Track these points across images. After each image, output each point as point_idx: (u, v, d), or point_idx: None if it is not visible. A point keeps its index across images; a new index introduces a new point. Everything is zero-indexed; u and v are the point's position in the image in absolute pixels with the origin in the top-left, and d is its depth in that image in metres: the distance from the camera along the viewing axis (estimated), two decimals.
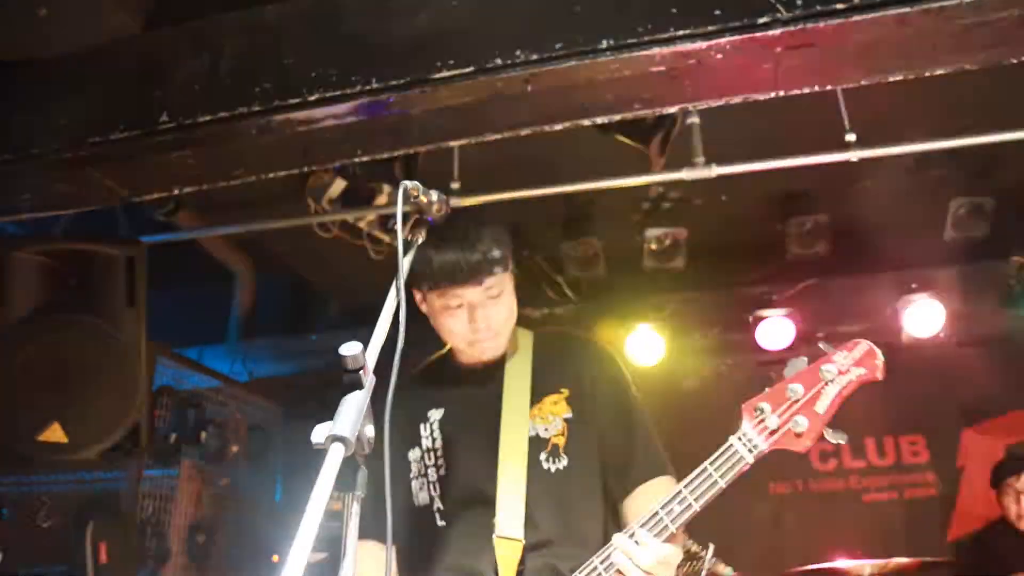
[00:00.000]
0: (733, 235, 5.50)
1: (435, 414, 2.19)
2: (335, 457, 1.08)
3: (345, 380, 1.19)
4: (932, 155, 4.60)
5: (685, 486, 1.75)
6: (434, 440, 2.15)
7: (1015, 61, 2.72)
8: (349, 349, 1.21)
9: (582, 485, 2.07)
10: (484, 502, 2.00)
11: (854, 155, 3.69)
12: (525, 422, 2.06)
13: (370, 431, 1.17)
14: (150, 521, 4.46)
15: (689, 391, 5.46)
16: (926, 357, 5.10)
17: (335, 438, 1.10)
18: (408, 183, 1.60)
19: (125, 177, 3.19)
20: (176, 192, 3.31)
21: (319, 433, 1.15)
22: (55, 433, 3.21)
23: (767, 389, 1.74)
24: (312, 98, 2.69)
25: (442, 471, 2.11)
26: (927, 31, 2.53)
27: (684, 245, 5.15)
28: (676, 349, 5.17)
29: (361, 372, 1.19)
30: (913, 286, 4.89)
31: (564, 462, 2.05)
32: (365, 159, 3.10)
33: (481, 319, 2.06)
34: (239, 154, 3.02)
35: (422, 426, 2.17)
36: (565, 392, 2.13)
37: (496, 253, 2.06)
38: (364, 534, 1.90)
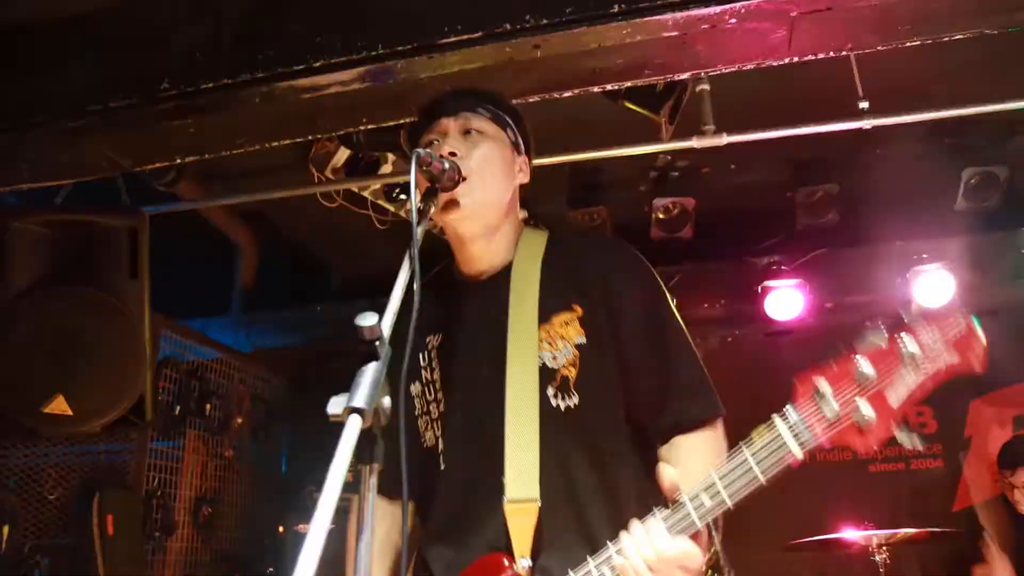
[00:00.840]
0: (742, 204, 5.44)
1: (433, 340, 1.87)
2: (352, 429, 1.05)
3: (360, 351, 1.15)
4: (945, 123, 4.55)
5: (721, 477, 1.42)
6: (432, 371, 1.84)
7: None
8: (365, 319, 1.15)
9: (600, 428, 1.71)
10: (490, 448, 1.68)
11: (867, 123, 3.63)
12: (534, 348, 1.72)
13: (387, 402, 1.14)
14: (156, 493, 4.46)
15: None
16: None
17: (353, 410, 1.06)
18: (421, 151, 1.54)
19: (126, 146, 3.14)
20: (178, 161, 3.26)
21: (335, 405, 1.11)
22: (60, 406, 3.18)
23: (831, 363, 1.37)
24: (317, 64, 2.62)
25: (443, 407, 1.81)
26: None
27: (692, 214, 5.09)
28: (682, 319, 5.12)
29: (377, 343, 1.14)
30: (923, 256, 4.84)
31: (575, 399, 1.69)
32: (371, 127, 3.03)
33: (447, 146, 1.75)
34: (242, 123, 2.96)
35: (421, 355, 1.85)
36: (578, 310, 1.75)
37: (490, 103, 1.87)
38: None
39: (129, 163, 3.27)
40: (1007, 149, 4.83)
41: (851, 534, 3.49)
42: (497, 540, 1.65)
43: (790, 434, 1.37)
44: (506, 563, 1.60)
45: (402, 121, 3.07)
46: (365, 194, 4.36)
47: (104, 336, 3.35)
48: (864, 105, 3.61)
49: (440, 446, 1.80)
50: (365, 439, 1.09)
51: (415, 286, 1.34)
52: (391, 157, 4.18)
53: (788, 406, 1.38)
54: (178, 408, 4.69)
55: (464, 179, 1.72)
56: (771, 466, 1.39)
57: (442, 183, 1.63)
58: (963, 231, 5.02)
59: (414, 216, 1.41)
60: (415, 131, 1.94)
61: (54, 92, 2.93)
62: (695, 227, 5.13)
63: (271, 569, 4.99)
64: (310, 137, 3.15)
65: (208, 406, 4.95)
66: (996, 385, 5.21)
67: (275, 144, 3.11)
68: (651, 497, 1.60)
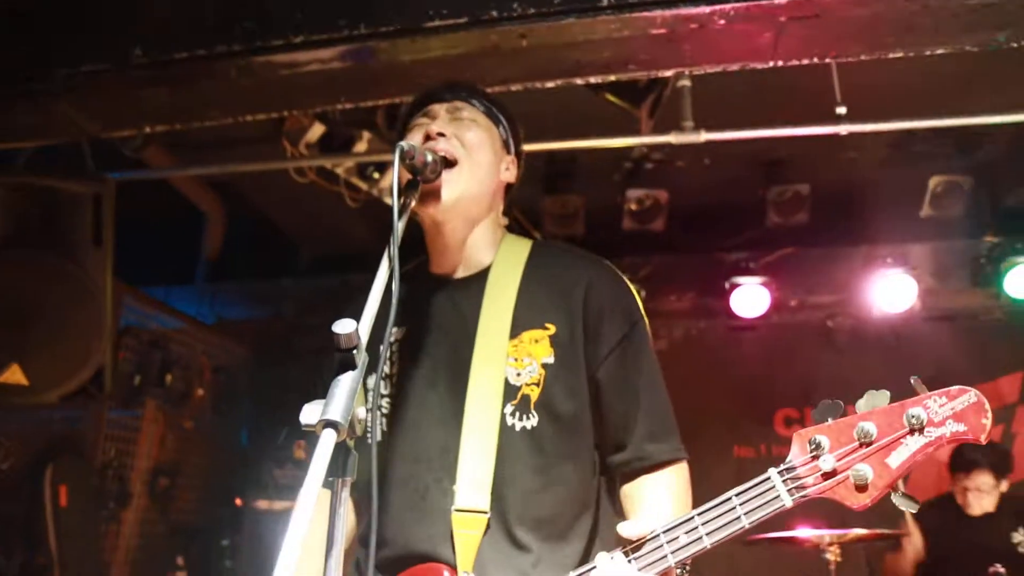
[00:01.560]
0: (714, 199, 5.48)
1: (397, 334, 1.76)
2: (327, 443, 1.02)
3: (337, 359, 1.12)
4: (916, 131, 4.62)
5: (700, 514, 1.38)
6: (391, 365, 1.74)
7: (1015, 45, 2.69)
8: (343, 327, 1.11)
9: (556, 453, 1.64)
10: (442, 455, 1.63)
11: (843, 128, 3.66)
12: (500, 363, 1.64)
13: (361, 413, 1.11)
14: (112, 463, 4.39)
15: (658, 353, 5.47)
16: (895, 330, 5.18)
17: (328, 423, 1.04)
18: (404, 144, 1.51)
19: (94, 112, 3.05)
20: (147, 130, 3.18)
21: (309, 414, 1.08)
22: (15, 375, 3.11)
23: (830, 420, 1.35)
24: (297, 40, 2.57)
25: (395, 403, 1.72)
26: (933, 9, 2.49)
27: (665, 207, 5.11)
28: (649, 311, 5.12)
29: (354, 351, 1.12)
30: (888, 260, 4.92)
31: (533, 421, 1.62)
32: (348, 107, 2.98)
33: (435, 127, 1.71)
34: (216, 95, 2.90)
35: (381, 347, 1.65)
36: (551, 328, 1.67)
37: (483, 97, 1.84)
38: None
39: (96, 128, 3.19)
40: (973, 160, 4.92)
41: (805, 533, 3.55)
42: (439, 549, 1.59)
43: (782, 483, 1.35)
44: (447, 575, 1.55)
45: (381, 102, 3.02)
46: (338, 171, 4.30)
47: (64, 304, 3.27)
48: (841, 110, 3.64)
49: (390, 443, 1.71)
50: (338, 451, 1.06)
51: (394, 286, 1.31)
52: (366, 135, 4.12)
53: (786, 463, 1.38)
54: (138, 378, 4.61)
55: (453, 163, 1.67)
56: (756, 510, 1.35)
57: (424, 175, 1.60)
58: (927, 238, 5.12)
59: (395, 216, 1.39)
60: (404, 117, 1.88)
61: (21, 51, 2.83)
62: (667, 220, 5.15)
63: (226, 541, 4.95)
64: (285, 113, 3.09)
65: (169, 376, 4.87)
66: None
67: (249, 118, 3.05)
68: (609, 530, 1.57)
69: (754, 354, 5.47)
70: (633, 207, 5.16)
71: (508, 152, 1.87)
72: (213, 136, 4.28)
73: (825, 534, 3.53)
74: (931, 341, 5.29)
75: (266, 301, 5.81)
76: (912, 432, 1.30)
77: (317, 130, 4.02)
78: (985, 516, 4.15)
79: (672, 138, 3.74)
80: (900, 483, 1.32)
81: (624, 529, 1.42)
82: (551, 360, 1.65)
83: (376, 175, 4.42)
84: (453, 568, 1.55)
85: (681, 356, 5.48)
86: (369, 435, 1.17)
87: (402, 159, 1.49)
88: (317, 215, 5.19)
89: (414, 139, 1.72)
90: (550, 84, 2.90)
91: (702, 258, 5.45)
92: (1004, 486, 4.15)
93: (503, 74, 2.82)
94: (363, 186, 4.48)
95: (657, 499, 1.63)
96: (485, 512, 1.57)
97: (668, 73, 2.98)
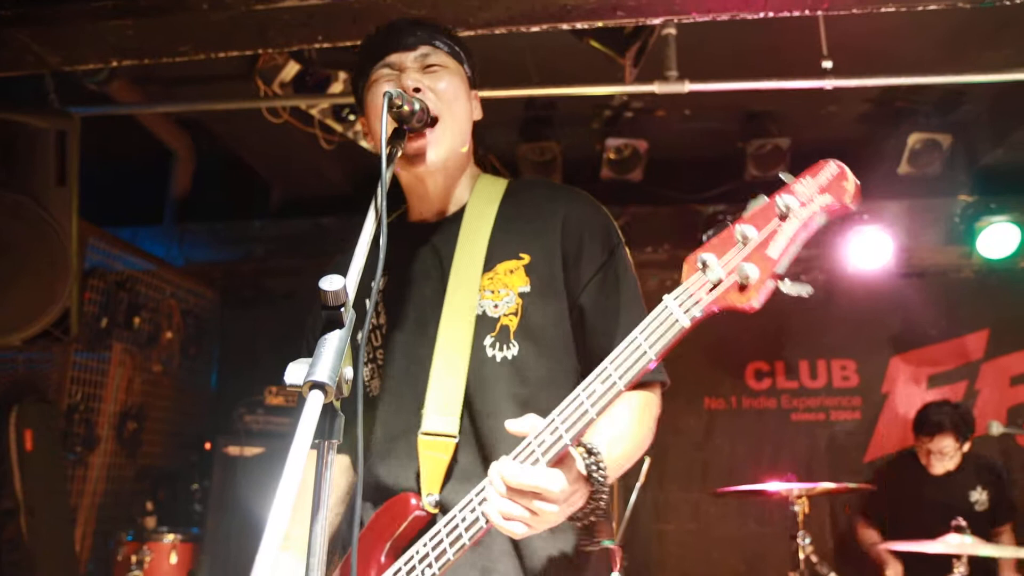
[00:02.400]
0: (693, 151, 5.43)
1: (380, 284, 1.70)
2: (314, 405, 0.98)
3: (324, 316, 1.07)
4: (898, 88, 4.59)
5: (611, 361, 1.33)
6: (377, 315, 1.74)
7: (1007, 3, 2.65)
8: (330, 283, 1.06)
9: (538, 381, 1.62)
10: (419, 392, 1.62)
11: (829, 83, 3.62)
12: (473, 295, 1.64)
13: (348, 373, 1.07)
14: (78, 407, 4.32)
15: None
16: (866, 285, 5.21)
17: (315, 384, 1.00)
18: (392, 91, 1.44)
19: (56, 44, 2.90)
20: (113, 64, 3.03)
21: (295, 374, 1.03)
22: None
23: (714, 237, 1.33)
24: None
25: (385, 353, 1.72)
26: None
27: (644, 157, 5.06)
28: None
29: (342, 309, 1.07)
30: (864, 217, 4.93)
31: (514, 350, 1.61)
32: (326, 46, 2.86)
33: (411, 80, 1.64)
34: (186, 29, 2.76)
35: (367, 300, 1.68)
36: (526, 258, 1.67)
37: (446, 36, 1.75)
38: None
39: (57, 61, 3.03)
40: (952, 119, 4.91)
41: (775, 486, 3.60)
42: (406, 474, 1.60)
43: (676, 305, 1.30)
44: (413, 502, 1.54)
45: (359, 42, 2.90)
46: (313, 112, 4.18)
47: (27, 245, 3.18)
48: (827, 65, 3.60)
49: (379, 394, 1.71)
50: (325, 413, 1.02)
51: (382, 240, 1.26)
52: (342, 75, 3.99)
53: (679, 287, 1.34)
54: (105, 320, 4.51)
55: (435, 119, 1.62)
56: (661, 339, 1.30)
57: (410, 124, 1.54)
58: (903, 195, 5.13)
59: (383, 166, 1.32)
60: (362, 63, 1.76)
61: None
62: (645, 170, 5.11)
63: (196, 486, 4.93)
64: (259, 51, 2.96)
65: (136, 319, 4.77)
66: (916, 344, 5.43)
67: (221, 55, 2.92)
68: None
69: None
70: (612, 156, 5.10)
71: (473, 87, 1.81)
72: (183, 72, 4.13)
73: (795, 487, 3.59)
74: (901, 297, 5.35)
75: (236, 242, 5.69)
76: (785, 218, 1.28)
77: (292, 69, 3.89)
78: (945, 474, 4.26)
79: (656, 88, 3.68)
80: (784, 274, 1.28)
81: (511, 425, 1.38)
82: (527, 289, 1.65)
83: (351, 117, 4.30)
84: (419, 493, 1.54)
85: (651, 307, 5.49)
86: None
87: (390, 107, 1.42)
88: (289, 156, 5.06)
89: (384, 87, 1.65)
90: (535, 28, 2.81)
91: (679, 209, 5.42)
92: (966, 447, 4.25)
93: (487, 16, 2.72)
94: (338, 128, 4.37)
95: (611, 413, 1.49)
96: (453, 436, 1.57)
97: (656, 21, 2.89)
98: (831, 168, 1.29)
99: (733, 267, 1.28)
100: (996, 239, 4.89)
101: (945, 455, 4.20)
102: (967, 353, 5.40)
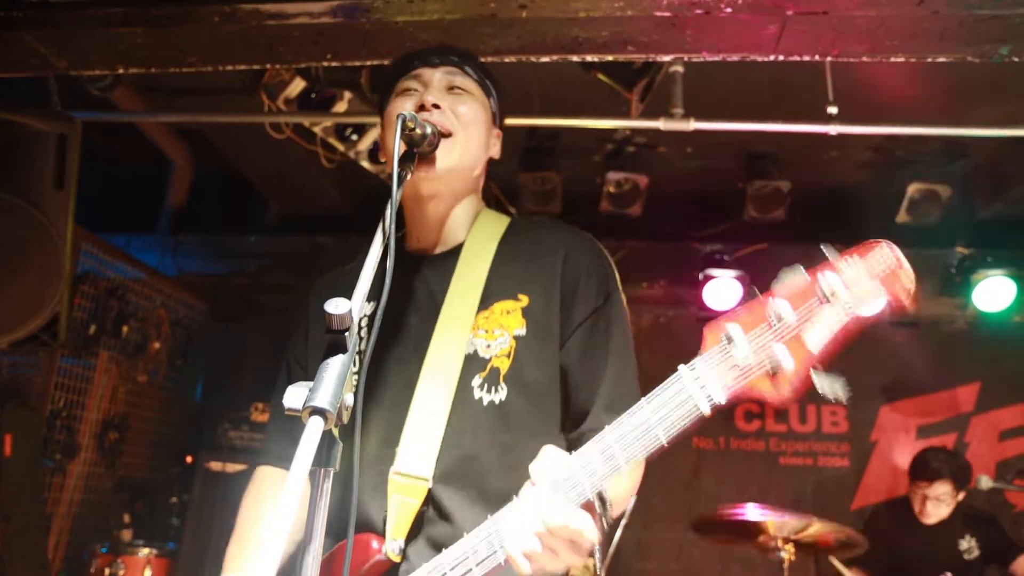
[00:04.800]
0: (693, 189, 5.45)
1: (366, 308, 1.69)
2: (314, 431, 0.95)
3: (327, 340, 1.04)
4: (899, 137, 4.62)
5: (617, 435, 1.26)
6: (360, 340, 1.66)
7: (1016, 59, 2.67)
8: (336, 307, 1.04)
9: (521, 428, 1.56)
10: (395, 427, 1.56)
11: (833, 128, 3.63)
12: (464, 332, 1.58)
13: (349, 399, 1.04)
14: (60, 414, 4.24)
15: None
16: (859, 332, 5.20)
17: (315, 410, 0.96)
18: (407, 113, 1.42)
19: (63, 47, 2.88)
20: (120, 71, 3.02)
21: (294, 398, 1.00)
22: None
23: (741, 307, 1.18)
24: None
25: (364, 380, 1.67)
26: (942, 16, 2.45)
27: (643, 192, 5.07)
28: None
29: (346, 333, 1.04)
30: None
31: (502, 394, 1.55)
32: (334, 64, 2.86)
33: (431, 96, 1.64)
34: (196, 41, 2.75)
35: (362, 324, 1.69)
36: (524, 300, 1.61)
37: (477, 66, 1.76)
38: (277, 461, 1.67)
39: (64, 65, 3.01)
40: (952, 170, 4.94)
41: (768, 516, 3.53)
42: (376, 519, 1.51)
43: (697, 385, 1.17)
44: (375, 545, 1.47)
45: (368, 63, 2.90)
46: (316, 130, 4.17)
47: (20, 248, 3.13)
48: (832, 111, 3.62)
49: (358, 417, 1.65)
50: (323, 441, 0.99)
51: (389, 263, 1.23)
52: (347, 95, 4.00)
53: (697, 358, 1.19)
54: (93, 327, 4.45)
55: (447, 135, 1.61)
56: (675, 423, 1.20)
57: (421, 148, 1.53)
58: (900, 243, 5.12)
59: (394, 187, 1.30)
60: (389, 77, 1.79)
61: None
62: (644, 205, 5.11)
63: (175, 499, 4.85)
64: (267, 66, 2.96)
65: (125, 328, 4.72)
66: (906, 394, 5.42)
67: (229, 68, 2.92)
68: None
69: None
70: (612, 190, 5.11)
71: (495, 125, 1.81)
72: (187, 82, 4.11)
73: (788, 520, 3.52)
74: (893, 346, 5.34)
75: (230, 256, 5.65)
76: (826, 303, 1.13)
77: (297, 85, 3.89)
78: (934, 525, 4.22)
79: (661, 124, 3.68)
80: (820, 366, 1.16)
81: (534, 468, 1.32)
82: (523, 332, 1.59)
83: (354, 137, 4.30)
84: (383, 537, 1.47)
85: (647, 344, 5.44)
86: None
87: (403, 130, 1.40)
88: (289, 173, 5.04)
89: (404, 104, 1.67)
90: (545, 59, 2.81)
91: (676, 247, 5.43)
92: (961, 496, 4.22)
93: (497, 44, 2.72)
94: (340, 147, 4.36)
95: None
96: (425, 480, 1.49)
97: (666, 58, 2.91)
98: (884, 253, 1.14)
99: (763, 349, 1.15)
100: (992, 292, 4.90)
101: (942, 502, 4.15)
102: (958, 405, 5.39)
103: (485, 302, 1.62)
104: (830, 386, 1.15)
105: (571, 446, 1.56)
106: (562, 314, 1.62)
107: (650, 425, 1.21)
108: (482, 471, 1.53)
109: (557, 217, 5.10)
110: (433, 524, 1.51)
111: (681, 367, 1.20)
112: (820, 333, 1.14)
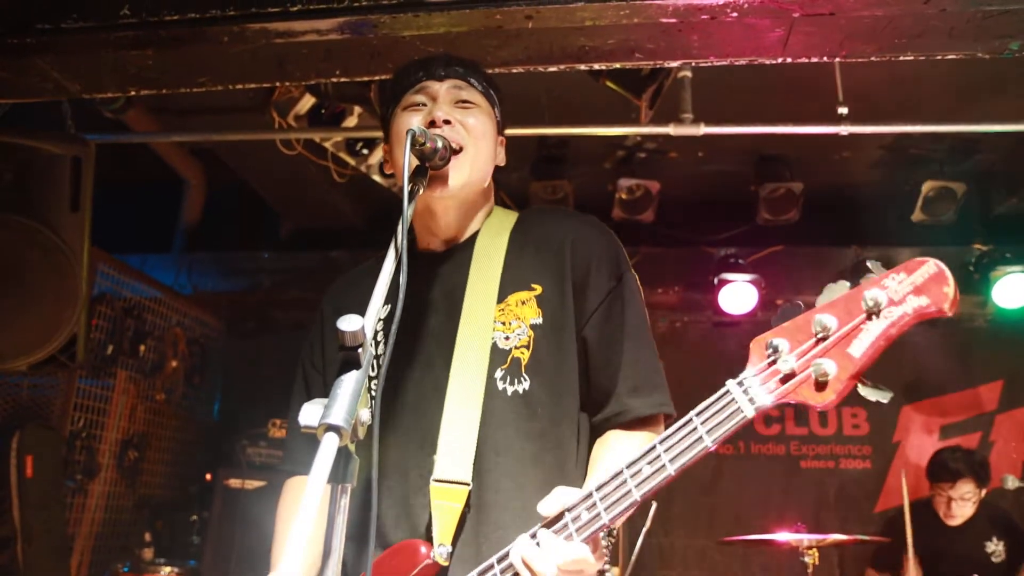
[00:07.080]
0: (705, 193, 5.44)
1: (382, 312, 1.64)
2: (329, 448, 0.95)
3: (341, 357, 1.04)
4: (912, 135, 4.60)
5: (661, 442, 1.28)
6: (376, 344, 1.63)
7: None
8: (349, 323, 1.05)
9: (549, 417, 1.58)
10: (428, 430, 1.56)
11: (844, 129, 3.61)
12: (487, 329, 1.59)
13: (365, 415, 1.04)
14: (80, 434, 4.27)
15: None
16: None
17: (329, 427, 0.97)
18: (416, 128, 1.43)
19: (76, 71, 2.91)
20: (132, 93, 3.04)
21: (310, 415, 1.00)
22: None
23: (786, 322, 1.24)
24: (294, 9, 2.45)
25: (384, 384, 1.58)
26: (950, 13, 2.43)
27: (655, 197, 5.06)
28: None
29: (359, 349, 1.04)
30: (877, 262, 4.89)
31: (525, 384, 1.57)
32: (343, 80, 2.88)
33: (441, 112, 1.64)
34: (206, 61, 2.77)
35: (377, 337, 1.67)
36: (537, 288, 1.63)
37: (482, 76, 1.77)
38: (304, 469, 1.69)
39: (77, 89, 3.04)
40: (967, 167, 4.90)
41: (784, 536, 3.53)
42: (420, 525, 1.53)
43: (742, 393, 1.24)
44: (423, 550, 1.47)
45: (377, 78, 2.92)
46: (326, 145, 4.19)
47: (38, 270, 3.16)
48: (843, 111, 3.60)
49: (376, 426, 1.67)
50: (339, 457, 0.99)
51: (402, 278, 1.23)
52: (357, 110, 4.02)
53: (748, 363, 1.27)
54: (110, 347, 4.48)
55: (459, 151, 1.62)
56: (720, 428, 1.24)
57: (432, 162, 1.53)
58: (916, 242, 5.10)
59: (405, 203, 1.30)
60: (394, 91, 1.78)
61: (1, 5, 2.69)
62: (657, 211, 5.10)
63: (195, 517, 4.86)
64: (277, 83, 2.97)
65: (142, 347, 4.75)
66: (928, 394, 5.36)
67: (238, 87, 2.94)
68: None
69: (737, 351, 5.41)
70: (624, 196, 5.10)
71: (500, 134, 1.83)
72: (198, 101, 4.16)
73: (804, 537, 3.52)
74: (913, 346, 5.29)
75: (244, 273, 5.69)
76: (872, 316, 1.17)
77: (307, 102, 3.92)
78: (960, 526, 4.16)
79: (671, 129, 3.68)
80: (865, 376, 1.20)
81: (542, 508, 1.34)
82: (539, 321, 1.61)
83: (365, 151, 4.32)
84: (430, 542, 1.48)
85: (663, 349, 5.40)
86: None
87: (412, 144, 1.41)
88: (301, 188, 5.07)
89: (413, 119, 1.67)
90: (552, 68, 2.82)
91: (690, 251, 5.41)
92: (983, 493, 4.16)
93: (505, 55, 2.72)
94: (351, 161, 4.38)
95: (617, 454, 1.50)
96: (466, 484, 1.50)
97: (674, 64, 2.90)
98: (930, 268, 1.17)
99: (808, 360, 1.20)
100: (1011, 289, 4.84)
101: (967, 501, 4.10)
102: (981, 404, 5.32)
103: (500, 294, 1.64)
104: (874, 394, 1.20)
105: (595, 431, 1.65)
106: (576, 300, 1.64)
107: (699, 435, 1.26)
108: (515, 463, 1.55)
109: None
110: (476, 525, 1.52)
111: (729, 382, 1.26)
112: (864, 343, 1.17)
